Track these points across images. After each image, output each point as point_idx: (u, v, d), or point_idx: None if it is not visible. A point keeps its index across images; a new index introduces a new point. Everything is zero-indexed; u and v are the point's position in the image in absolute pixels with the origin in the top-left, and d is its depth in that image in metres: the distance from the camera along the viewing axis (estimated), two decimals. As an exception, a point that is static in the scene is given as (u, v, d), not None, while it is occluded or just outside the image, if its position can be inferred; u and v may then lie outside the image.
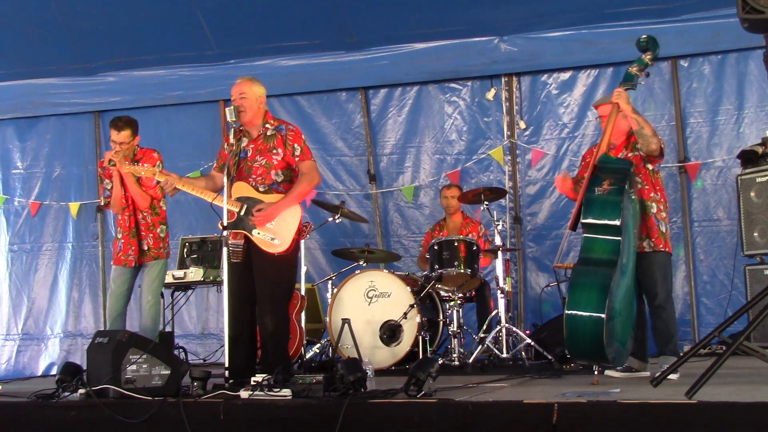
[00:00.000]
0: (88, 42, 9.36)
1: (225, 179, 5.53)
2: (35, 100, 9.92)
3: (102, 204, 6.91)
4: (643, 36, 5.71)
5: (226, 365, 5.42)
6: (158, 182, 6.48)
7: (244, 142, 5.76)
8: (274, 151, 5.70)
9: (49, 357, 9.89)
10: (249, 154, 5.73)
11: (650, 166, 5.80)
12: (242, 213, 5.61)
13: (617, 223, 5.27)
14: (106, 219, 9.76)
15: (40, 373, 9.70)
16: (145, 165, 6.20)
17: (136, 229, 6.64)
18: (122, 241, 6.67)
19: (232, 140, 5.63)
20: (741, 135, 8.30)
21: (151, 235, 6.68)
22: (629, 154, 5.82)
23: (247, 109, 5.67)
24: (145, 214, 6.67)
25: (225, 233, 5.50)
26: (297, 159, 5.69)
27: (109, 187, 6.70)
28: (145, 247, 6.67)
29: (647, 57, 5.65)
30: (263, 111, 5.80)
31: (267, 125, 5.77)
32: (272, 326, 5.56)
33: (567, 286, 5.74)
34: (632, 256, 5.50)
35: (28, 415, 5.18)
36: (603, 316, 5.04)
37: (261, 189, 5.68)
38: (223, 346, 5.56)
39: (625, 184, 5.39)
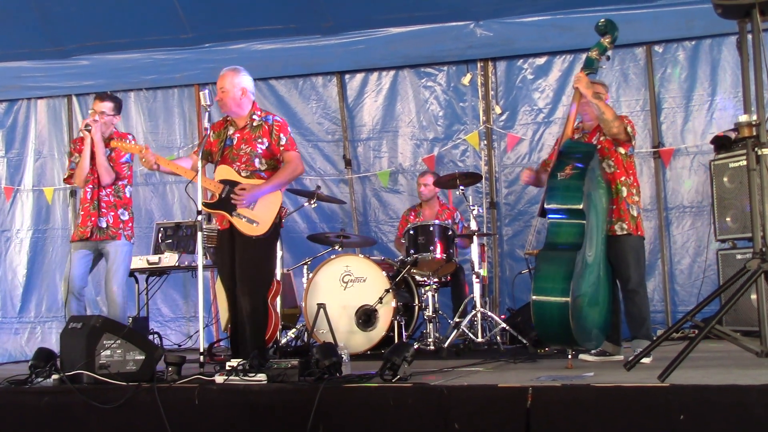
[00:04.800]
0: (60, 25, 9.26)
1: (199, 164, 5.51)
2: (7, 84, 9.82)
3: (65, 177, 6.84)
4: (601, 20, 5.76)
5: (200, 350, 5.41)
6: (128, 162, 6.55)
7: (231, 130, 5.88)
8: (259, 140, 5.81)
9: (26, 341, 9.85)
10: (235, 143, 5.84)
11: (622, 150, 5.81)
12: (223, 195, 5.68)
13: (580, 206, 5.33)
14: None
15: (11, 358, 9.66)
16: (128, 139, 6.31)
17: (98, 204, 6.59)
18: (82, 213, 6.62)
19: (206, 124, 5.66)
20: (714, 120, 8.36)
21: (112, 213, 6.61)
22: (602, 138, 5.84)
23: (227, 103, 5.80)
24: (108, 191, 6.60)
25: (200, 218, 5.50)
26: (282, 149, 5.81)
27: (75, 161, 6.65)
28: (104, 225, 6.58)
29: (606, 40, 5.70)
30: (250, 101, 5.89)
31: (254, 116, 5.88)
32: (249, 308, 5.62)
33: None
34: (601, 240, 5.54)
35: (0, 401, 5.13)
36: (568, 299, 5.08)
37: (244, 174, 5.77)
38: (197, 331, 5.55)
39: (587, 167, 5.43)
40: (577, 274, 5.19)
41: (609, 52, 5.74)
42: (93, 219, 6.56)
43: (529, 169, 6.22)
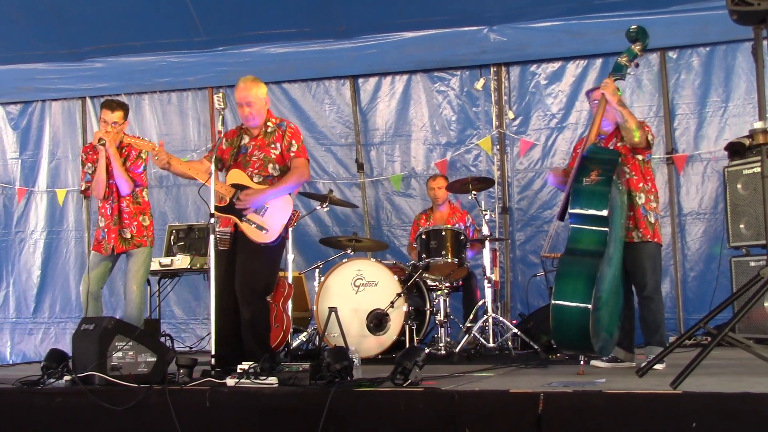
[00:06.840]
0: (75, 28, 9.31)
1: (213, 168, 5.52)
2: (22, 85, 9.87)
3: (82, 189, 6.84)
4: (633, 26, 5.68)
5: (212, 353, 5.42)
6: (145, 169, 6.54)
7: (245, 139, 5.86)
8: (273, 146, 5.80)
9: (40, 342, 9.90)
10: (249, 150, 5.83)
11: (640, 157, 5.78)
12: (234, 199, 5.66)
13: (604, 213, 5.27)
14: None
15: (26, 359, 9.71)
16: (144, 139, 6.25)
17: (119, 217, 6.58)
18: (105, 230, 6.62)
19: (219, 127, 5.68)
20: (728, 127, 8.32)
21: (135, 223, 6.62)
22: (618, 144, 5.80)
23: (255, 117, 5.77)
24: (127, 202, 6.60)
25: (213, 220, 5.50)
26: (292, 155, 5.78)
27: (90, 172, 6.65)
28: (128, 236, 6.60)
29: (636, 47, 5.62)
30: (266, 110, 5.87)
31: (268, 123, 5.86)
32: (248, 316, 5.61)
33: (554, 276, 5.75)
34: (619, 247, 5.50)
35: (13, 402, 5.15)
36: (589, 306, 5.04)
37: (256, 180, 5.76)
38: (209, 333, 5.56)
39: (613, 174, 5.39)
40: (599, 280, 5.16)
41: (639, 59, 5.69)
42: (115, 236, 6.56)
43: (556, 170, 6.14)
